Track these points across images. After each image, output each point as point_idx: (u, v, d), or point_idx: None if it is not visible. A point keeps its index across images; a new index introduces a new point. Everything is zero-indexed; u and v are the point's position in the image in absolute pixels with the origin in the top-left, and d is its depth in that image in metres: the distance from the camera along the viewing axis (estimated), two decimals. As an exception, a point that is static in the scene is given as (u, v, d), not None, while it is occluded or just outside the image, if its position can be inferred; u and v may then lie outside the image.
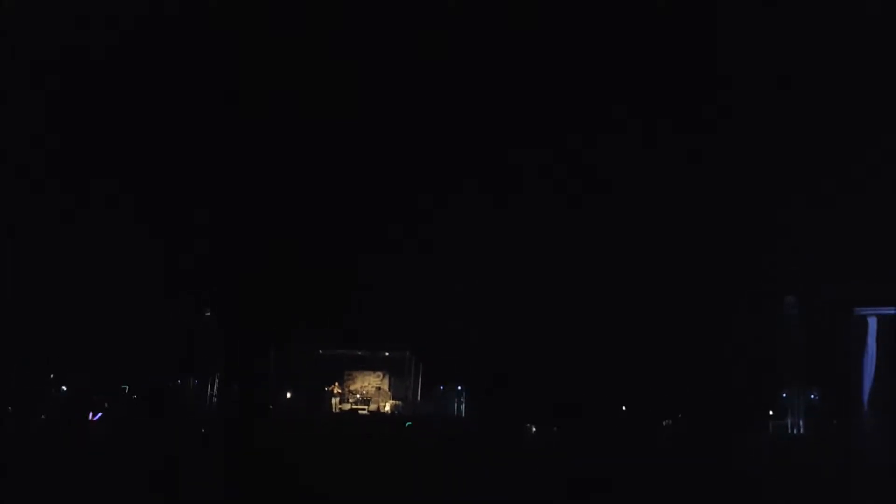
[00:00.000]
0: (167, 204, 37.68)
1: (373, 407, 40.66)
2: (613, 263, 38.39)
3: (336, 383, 41.78)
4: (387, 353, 42.37)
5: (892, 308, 33.74)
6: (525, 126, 37.72)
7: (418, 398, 41.45)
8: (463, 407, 39.27)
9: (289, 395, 40.59)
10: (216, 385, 40.43)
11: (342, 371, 42.50)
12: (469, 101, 37.28)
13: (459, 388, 39.98)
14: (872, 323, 34.27)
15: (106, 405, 34.50)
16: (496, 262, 38.12)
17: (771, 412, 35.99)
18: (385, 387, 42.14)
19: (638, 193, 38.08)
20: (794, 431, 34.62)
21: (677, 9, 30.23)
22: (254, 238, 39.00)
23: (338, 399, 41.74)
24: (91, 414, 31.00)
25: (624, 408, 37.25)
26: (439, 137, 38.10)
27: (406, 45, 35.21)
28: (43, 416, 30.21)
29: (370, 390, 42.07)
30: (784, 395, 35.85)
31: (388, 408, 40.88)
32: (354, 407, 40.51)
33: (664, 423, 36.13)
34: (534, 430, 35.23)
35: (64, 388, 37.00)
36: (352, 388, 42.31)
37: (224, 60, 35.48)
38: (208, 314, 41.12)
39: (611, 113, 35.91)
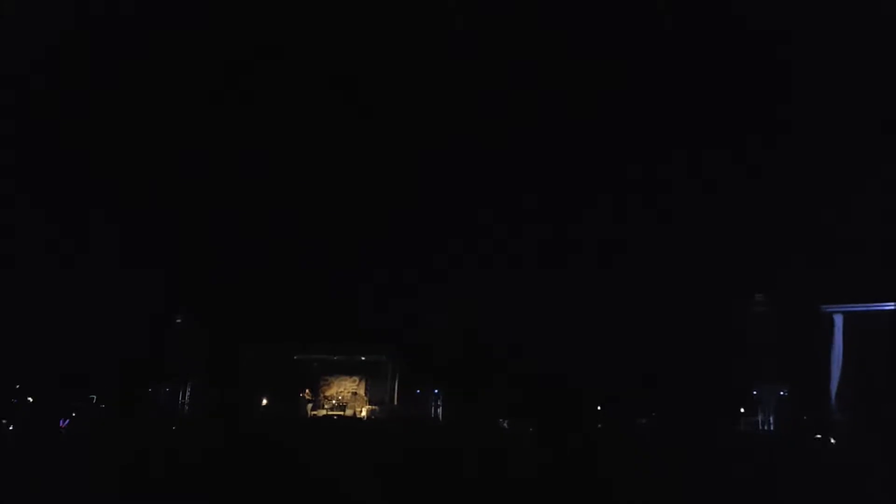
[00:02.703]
0: (142, 211, 37.14)
1: (349, 412, 40.25)
2: (584, 266, 38.77)
3: (308, 389, 41.32)
4: (363, 358, 42.04)
5: (857, 305, 34.67)
6: (501, 129, 37.79)
7: (395, 402, 41.20)
8: (440, 410, 39.17)
9: (264, 401, 40.09)
10: (188, 392, 39.84)
11: (318, 376, 42.09)
12: (442, 106, 37.29)
13: (436, 391, 39.90)
14: (838, 320, 35.19)
15: (73, 414, 33.98)
16: (473, 264, 38.28)
17: (742, 409, 36.58)
18: (361, 391, 41.75)
19: (605, 195, 38.44)
20: (765, 427, 35.21)
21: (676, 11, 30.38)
22: (229, 244, 38.58)
23: (311, 405, 41.31)
24: (61, 420, 30.69)
25: (599, 407, 37.54)
26: (413, 142, 38.07)
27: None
28: (12, 425, 29.54)
29: (346, 395, 41.63)
30: (755, 391, 36.48)
31: (364, 413, 40.54)
32: (330, 412, 40.05)
33: (640, 422, 36.47)
34: (506, 425, 35.33)
35: (30, 398, 36.13)
36: (327, 393, 41.87)
37: (209, 64, 35.10)
38: (179, 321, 40.56)
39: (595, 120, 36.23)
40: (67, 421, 32.33)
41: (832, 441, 27.93)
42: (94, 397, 38.09)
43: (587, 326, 36.93)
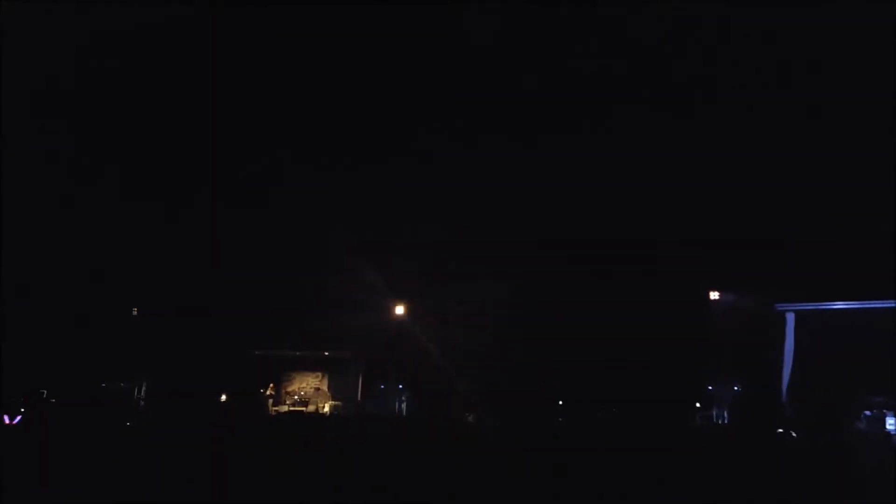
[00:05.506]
0: (95, 202, 36.15)
1: (311, 408, 39.95)
2: (545, 260, 39.18)
3: (272, 385, 40.80)
4: (326, 353, 41.77)
5: (809, 304, 35.96)
6: (461, 129, 37.85)
7: (358, 397, 41.06)
8: (405, 405, 39.16)
9: (223, 397, 39.45)
10: (144, 389, 38.94)
11: (280, 372, 41.62)
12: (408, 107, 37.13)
13: (400, 386, 39.87)
14: (790, 318, 36.46)
15: (22, 409, 32.92)
16: (435, 260, 38.38)
17: (698, 404, 37.54)
18: (324, 387, 41.52)
19: (563, 186, 38.78)
20: (720, 422, 36.21)
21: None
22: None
23: (272, 401, 40.82)
24: (8, 417, 29.55)
25: (560, 402, 38.11)
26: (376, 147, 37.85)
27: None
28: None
29: (308, 391, 41.33)
30: (710, 387, 37.47)
31: (326, 409, 40.29)
32: (293, 409, 39.67)
33: (598, 416, 37.07)
34: (470, 418, 35.52)
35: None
36: (289, 388, 41.49)
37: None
38: (136, 314, 39.60)
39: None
40: (18, 417, 31.27)
41: (793, 434, 28.82)
42: (45, 392, 36.95)
43: (548, 323, 37.44)
